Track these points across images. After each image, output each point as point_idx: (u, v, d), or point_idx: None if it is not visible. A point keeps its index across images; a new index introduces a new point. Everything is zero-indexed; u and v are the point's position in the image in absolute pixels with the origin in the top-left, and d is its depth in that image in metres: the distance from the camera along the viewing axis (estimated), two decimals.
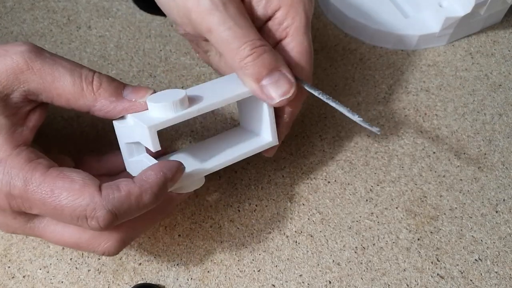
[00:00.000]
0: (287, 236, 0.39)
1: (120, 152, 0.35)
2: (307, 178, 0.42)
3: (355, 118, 0.33)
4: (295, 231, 0.39)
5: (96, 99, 0.31)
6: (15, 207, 0.29)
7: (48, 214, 0.29)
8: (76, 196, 0.28)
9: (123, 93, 0.32)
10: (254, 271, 0.38)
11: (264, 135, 0.36)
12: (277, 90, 0.32)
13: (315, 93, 0.34)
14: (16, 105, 0.30)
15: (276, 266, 0.38)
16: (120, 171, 0.36)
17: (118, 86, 0.32)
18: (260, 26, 0.35)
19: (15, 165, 0.28)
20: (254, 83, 0.32)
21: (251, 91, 0.33)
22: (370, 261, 0.38)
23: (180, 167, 0.31)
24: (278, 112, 0.36)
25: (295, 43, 0.35)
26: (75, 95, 0.30)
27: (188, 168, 0.33)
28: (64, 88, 0.30)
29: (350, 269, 0.38)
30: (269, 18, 0.35)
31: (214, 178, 0.42)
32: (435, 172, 0.43)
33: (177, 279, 0.37)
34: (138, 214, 0.30)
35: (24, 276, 0.37)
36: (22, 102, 0.30)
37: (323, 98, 0.34)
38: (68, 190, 0.28)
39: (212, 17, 0.32)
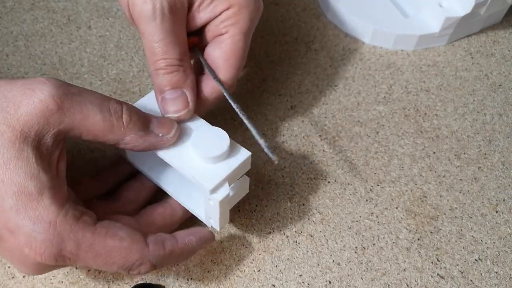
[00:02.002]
0: (287, 236, 0.39)
1: (115, 167, 0.38)
2: (307, 178, 0.42)
3: (261, 142, 0.34)
4: (295, 231, 0.39)
5: (126, 133, 0.31)
6: (60, 262, 0.30)
7: (94, 266, 0.31)
8: (126, 253, 0.30)
9: (149, 127, 0.33)
10: (254, 271, 0.38)
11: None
12: (172, 106, 0.35)
13: (232, 104, 0.36)
14: (47, 151, 0.29)
15: (276, 266, 0.38)
16: (117, 187, 0.38)
17: (146, 120, 0.33)
18: (205, 24, 0.37)
19: (65, 227, 0.29)
20: (157, 93, 0.35)
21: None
22: (370, 261, 0.38)
23: (213, 239, 0.35)
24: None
25: (230, 40, 0.37)
26: (105, 131, 0.31)
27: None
28: (94, 125, 0.30)
29: (350, 269, 0.38)
30: (216, 17, 0.37)
31: None
32: (435, 172, 0.43)
33: (177, 279, 0.37)
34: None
35: (24, 276, 0.37)
36: (52, 146, 0.30)
37: (238, 110, 0.35)
38: (119, 250, 0.30)
39: (147, 26, 0.34)
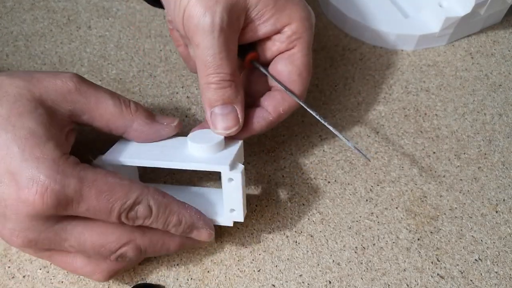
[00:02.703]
0: (287, 236, 0.39)
1: None
2: (307, 178, 0.42)
3: (350, 144, 0.35)
4: (295, 231, 0.39)
5: (134, 120, 0.35)
6: (62, 206, 0.30)
7: (97, 209, 0.31)
8: (128, 189, 0.31)
9: (155, 118, 0.36)
10: (254, 271, 0.38)
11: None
12: (223, 123, 0.35)
13: (313, 113, 0.36)
14: (59, 122, 0.32)
15: (276, 266, 0.38)
16: None
17: (151, 112, 0.36)
18: (267, 38, 0.37)
19: (68, 165, 0.30)
20: (207, 107, 0.35)
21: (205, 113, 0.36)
22: (370, 261, 0.38)
23: (212, 234, 0.35)
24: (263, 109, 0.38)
25: (301, 54, 0.37)
26: (116, 115, 0.34)
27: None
28: (106, 108, 0.34)
29: (350, 269, 0.38)
30: (278, 32, 0.37)
31: (214, 178, 0.42)
32: (435, 172, 0.43)
33: (177, 279, 0.37)
34: (160, 228, 0.33)
35: (24, 276, 0.37)
36: (65, 120, 0.33)
37: (320, 119, 0.36)
38: (120, 185, 0.31)
39: (204, 38, 0.34)
